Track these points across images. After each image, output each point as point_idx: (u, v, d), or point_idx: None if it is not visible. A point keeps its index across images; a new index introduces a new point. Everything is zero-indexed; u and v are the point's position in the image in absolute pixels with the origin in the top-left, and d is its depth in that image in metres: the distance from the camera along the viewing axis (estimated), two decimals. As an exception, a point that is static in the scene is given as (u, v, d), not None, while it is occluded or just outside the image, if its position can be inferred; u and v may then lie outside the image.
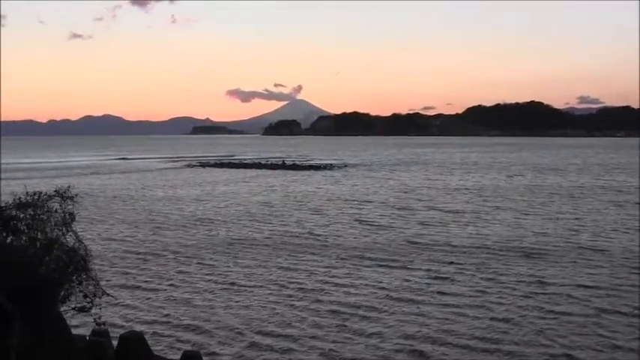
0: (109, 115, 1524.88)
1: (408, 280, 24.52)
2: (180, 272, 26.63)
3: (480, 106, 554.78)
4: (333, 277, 25.35)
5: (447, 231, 36.55)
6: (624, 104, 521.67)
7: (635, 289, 22.86)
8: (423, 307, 20.89)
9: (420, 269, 26.44)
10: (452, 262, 27.73)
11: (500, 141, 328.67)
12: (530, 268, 26.58)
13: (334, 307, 20.94)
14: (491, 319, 19.50)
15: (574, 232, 35.62)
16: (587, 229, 37.00)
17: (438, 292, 22.72)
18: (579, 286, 23.43)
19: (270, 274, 25.98)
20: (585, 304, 20.96)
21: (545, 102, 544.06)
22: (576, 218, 41.36)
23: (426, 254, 29.65)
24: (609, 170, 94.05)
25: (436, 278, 24.84)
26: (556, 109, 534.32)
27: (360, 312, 20.40)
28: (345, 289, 23.26)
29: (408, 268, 26.64)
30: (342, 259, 28.90)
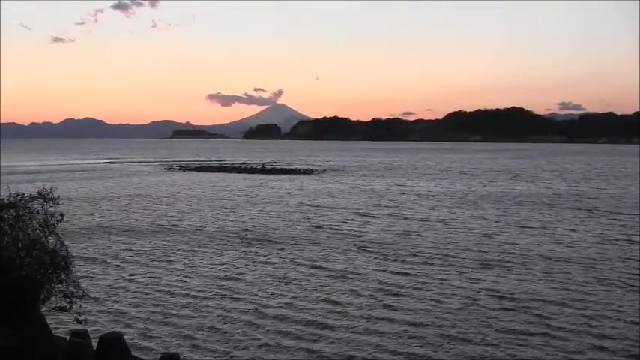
0: (90, 119, 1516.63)
1: (358, 292, 24.19)
2: (158, 274, 27.07)
3: (460, 111, 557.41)
4: (284, 285, 25.30)
5: (407, 239, 36.32)
6: (606, 110, 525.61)
7: (595, 304, 22.74)
8: (373, 321, 20.51)
9: (373, 279, 26.11)
10: (408, 273, 27.34)
11: (479, 147, 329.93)
12: (491, 279, 26.41)
13: (286, 319, 20.86)
14: (445, 335, 19.09)
15: (541, 242, 35.53)
16: (555, 238, 36.96)
17: (390, 306, 22.23)
18: (540, 300, 23.11)
19: (244, 278, 26.53)
20: (543, 319, 20.71)
21: (527, 108, 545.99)
22: (543, 227, 41.32)
23: (381, 263, 29.34)
24: (586, 177, 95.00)
25: (389, 290, 24.41)
26: (537, 115, 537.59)
27: (307, 324, 20.18)
28: (295, 300, 23.06)
29: (361, 278, 26.24)
30: (296, 264, 29.10)
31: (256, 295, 23.69)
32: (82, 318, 14.53)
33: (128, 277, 26.51)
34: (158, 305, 22.23)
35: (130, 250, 32.85)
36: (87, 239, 35.82)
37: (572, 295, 23.79)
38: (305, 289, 24.57)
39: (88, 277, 25.35)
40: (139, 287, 24.84)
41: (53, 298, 14.04)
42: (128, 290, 24.37)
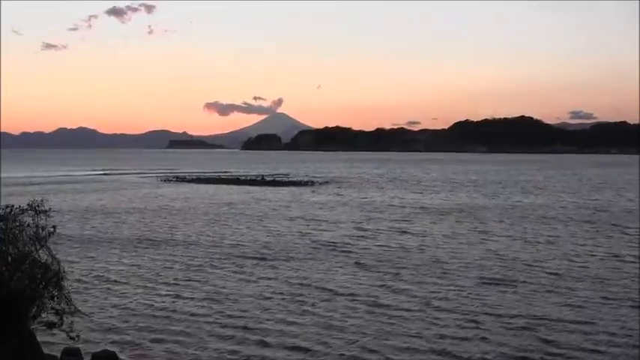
0: (83, 128, 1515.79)
1: (353, 311, 24.01)
2: (152, 290, 27.33)
3: (467, 120, 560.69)
4: (277, 303, 25.23)
5: (407, 254, 36.24)
6: (619, 119, 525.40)
7: (602, 326, 22.31)
8: (367, 342, 20.31)
9: (369, 297, 25.95)
10: (405, 290, 27.25)
11: (486, 158, 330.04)
12: (493, 297, 26.27)
13: (277, 338, 20.94)
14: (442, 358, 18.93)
15: (547, 257, 35.46)
16: (562, 253, 36.86)
17: (384, 325, 22.06)
18: (543, 319, 22.81)
19: (237, 296, 26.74)
20: (546, 341, 20.41)
21: (536, 117, 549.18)
22: (549, 242, 41.34)
23: (378, 280, 29.21)
24: (596, 189, 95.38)
25: (384, 309, 24.22)
26: (547, 125, 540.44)
27: (298, 345, 20.04)
28: (287, 319, 22.90)
29: (356, 297, 26.08)
30: (290, 281, 29.09)
31: (248, 313, 23.75)
32: (74, 335, 14.69)
33: (121, 294, 26.71)
34: (151, 323, 22.40)
35: (124, 265, 33.10)
36: (79, 253, 36.05)
37: (577, 315, 23.51)
38: (298, 308, 24.51)
39: (79, 292, 25.46)
40: (132, 304, 25.03)
41: (44, 315, 14.18)
42: (121, 307, 24.55)
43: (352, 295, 26.59)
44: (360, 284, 28.52)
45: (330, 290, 27.38)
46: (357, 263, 33.58)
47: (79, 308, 15.44)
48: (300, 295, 26.65)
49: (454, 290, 27.38)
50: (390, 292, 27.15)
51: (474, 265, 33.19)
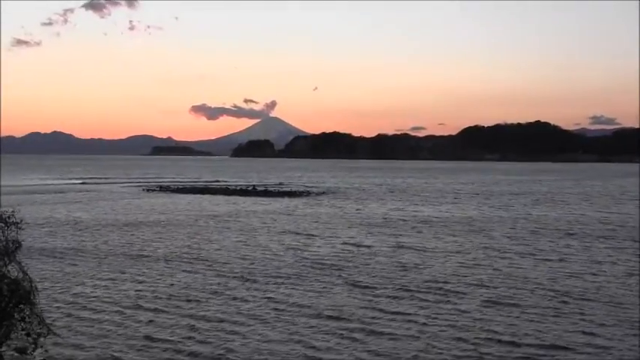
0: (58, 132, 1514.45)
1: (341, 334, 24.15)
2: (128, 310, 27.49)
3: (476, 126, 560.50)
4: (258, 326, 25.57)
5: (404, 272, 36.44)
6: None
7: (615, 353, 22.38)
8: None
9: (360, 320, 26.04)
10: (400, 312, 27.41)
11: (498, 166, 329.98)
12: (496, 319, 26.35)
13: None
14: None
15: (558, 276, 35.57)
16: (574, 272, 36.96)
17: (374, 351, 22.19)
18: (550, 346, 22.85)
19: (215, 318, 27.04)
20: None
21: (553, 122, 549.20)
22: (561, 259, 41.32)
23: (371, 301, 29.30)
24: (617, 202, 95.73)
25: (376, 333, 24.25)
26: (565, 131, 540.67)
27: None
28: (269, 343, 23.00)
29: (345, 319, 26.22)
30: (273, 302, 29.21)
31: (228, 338, 23.77)
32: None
33: (96, 315, 26.78)
34: (126, 350, 22.39)
35: (99, 281, 33.33)
36: (52, 270, 36.26)
37: (589, 342, 23.35)
38: (283, 333, 24.40)
39: (52, 312, 25.70)
40: (109, 325, 25.18)
41: (14, 336, 14.29)
42: (98, 328, 24.66)
43: (344, 319, 26.48)
44: (353, 307, 28.44)
45: (320, 313, 27.33)
46: (350, 283, 33.62)
47: (53, 329, 15.50)
48: (286, 318, 26.56)
49: (455, 313, 27.39)
50: (386, 315, 27.09)
51: (479, 285, 33.24)
